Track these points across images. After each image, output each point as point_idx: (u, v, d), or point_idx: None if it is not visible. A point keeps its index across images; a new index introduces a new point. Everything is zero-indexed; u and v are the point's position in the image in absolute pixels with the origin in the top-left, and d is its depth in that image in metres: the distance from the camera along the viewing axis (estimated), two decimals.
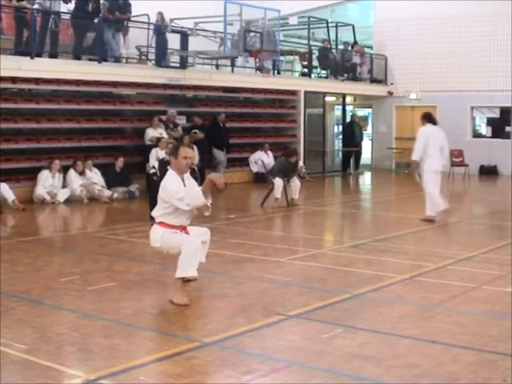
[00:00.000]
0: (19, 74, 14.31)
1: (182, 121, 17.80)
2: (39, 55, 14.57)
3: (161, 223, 6.78)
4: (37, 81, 15.09)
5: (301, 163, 19.42)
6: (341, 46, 23.94)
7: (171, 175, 6.76)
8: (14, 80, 14.56)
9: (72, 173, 14.59)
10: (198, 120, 17.74)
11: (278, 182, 13.87)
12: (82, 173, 14.71)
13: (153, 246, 6.89)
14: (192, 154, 6.90)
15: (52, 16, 14.89)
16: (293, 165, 14.23)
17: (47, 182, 14.28)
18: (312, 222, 13.01)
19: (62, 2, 15.37)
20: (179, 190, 6.61)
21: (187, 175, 6.87)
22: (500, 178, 21.40)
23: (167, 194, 6.65)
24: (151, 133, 16.15)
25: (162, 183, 6.78)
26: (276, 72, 21.05)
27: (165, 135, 16.06)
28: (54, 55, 15.04)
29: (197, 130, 16.99)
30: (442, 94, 22.58)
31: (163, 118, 16.82)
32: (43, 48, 14.81)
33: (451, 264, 8.57)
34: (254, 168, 19.34)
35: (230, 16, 15.60)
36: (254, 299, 6.82)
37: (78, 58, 15.59)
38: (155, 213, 6.86)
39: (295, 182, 14.18)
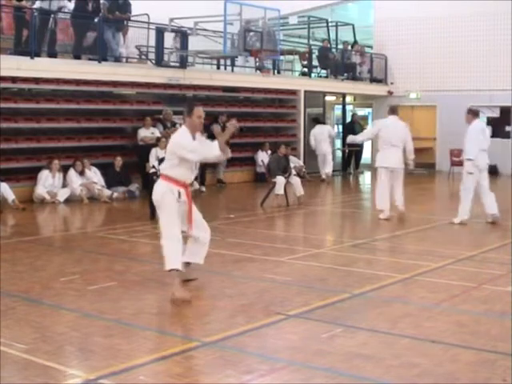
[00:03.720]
0: (19, 73, 14.29)
1: (181, 120, 17.76)
2: (39, 55, 14.57)
3: (165, 177, 6.94)
4: (37, 80, 15.07)
5: (301, 162, 19.45)
6: (341, 46, 23.94)
7: (184, 131, 6.95)
8: (13, 80, 14.54)
9: (72, 172, 14.58)
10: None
11: (280, 180, 13.93)
12: (81, 172, 14.70)
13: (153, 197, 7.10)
14: (204, 114, 7.03)
15: (52, 16, 14.89)
16: (284, 157, 14.39)
17: (47, 182, 14.28)
18: (312, 221, 13.01)
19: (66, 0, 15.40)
20: (191, 143, 6.81)
21: (199, 135, 7.00)
22: (500, 177, 21.38)
23: (179, 148, 6.82)
24: (142, 133, 16.15)
25: (174, 138, 7.00)
26: (276, 71, 21.05)
27: (157, 134, 16.05)
28: (53, 55, 15.04)
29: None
30: (442, 94, 22.57)
31: (160, 117, 16.82)
32: (43, 48, 14.81)
33: (451, 263, 8.57)
34: (261, 168, 19.17)
35: (230, 16, 15.60)
36: (254, 299, 6.82)
37: (77, 57, 15.59)
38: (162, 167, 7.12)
39: (295, 179, 14.28)
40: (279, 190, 13.93)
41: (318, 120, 20.84)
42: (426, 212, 13.65)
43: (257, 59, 17.80)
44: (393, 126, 12.20)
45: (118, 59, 16.38)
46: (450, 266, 8.46)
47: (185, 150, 6.77)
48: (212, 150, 6.83)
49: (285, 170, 14.17)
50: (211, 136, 17.10)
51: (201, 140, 7.01)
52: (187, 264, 7.31)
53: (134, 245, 9.89)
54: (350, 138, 13.68)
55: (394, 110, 12.45)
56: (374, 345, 5.48)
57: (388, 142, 12.04)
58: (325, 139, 20.14)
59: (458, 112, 22.19)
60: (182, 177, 6.91)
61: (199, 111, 6.92)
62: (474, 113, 11.66)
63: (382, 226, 11.89)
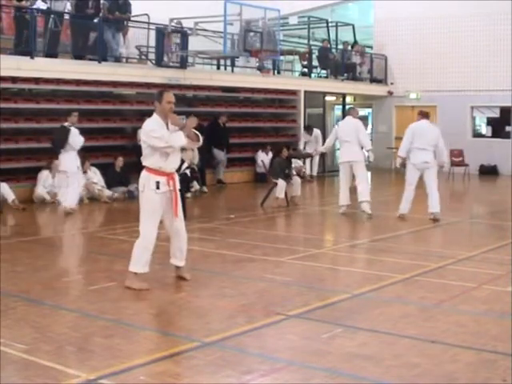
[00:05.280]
0: (19, 73, 14.31)
1: (181, 121, 17.76)
2: (39, 55, 14.56)
3: (145, 168, 7.05)
4: (37, 81, 15.08)
5: (300, 163, 19.44)
6: (341, 46, 23.93)
7: (154, 118, 7.03)
8: (14, 80, 14.55)
9: None
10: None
11: (282, 183, 13.91)
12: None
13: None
14: (174, 100, 7.10)
15: (52, 16, 14.90)
16: (287, 159, 14.37)
17: (47, 182, 14.27)
18: (312, 221, 13.01)
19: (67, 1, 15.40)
20: (158, 130, 6.88)
21: (173, 129, 7.01)
22: (500, 177, 21.39)
23: (146, 135, 6.94)
24: None
25: (143, 126, 7.09)
26: (276, 72, 21.05)
27: None
28: (54, 55, 15.03)
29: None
30: (442, 94, 22.57)
31: None
32: (43, 48, 14.81)
33: (451, 264, 8.57)
34: (261, 169, 19.18)
35: (230, 16, 15.60)
36: (254, 299, 6.82)
37: (78, 57, 15.59)
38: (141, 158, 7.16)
39: (296, 180, 14.28)
40: (280, 193, 13.89)
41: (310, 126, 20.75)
42: (425, 212, 13.63)
43: (257, 59, 17.80)
44: (346, 124, 13.29)
45: (118, 59, 16.38)
46: (449, 266, 8.46)
47: (151, 136, 6.89)
48: (178, 138, 6.92)
49: (287, 175, 14.12)
50: (208, 137, 17.32)
51: (172, 129, 7.04)
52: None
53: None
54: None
55: (348, 112, 13.87)
56: (374, 345, 5.48)
57: (342, 139, 13.07)
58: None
59: (458, 112, 22.38)
60: (160, 166, 6.98)
61: (169, 96, 7.04)
62: (422, 114, 12.54)
63: (381, 226, 11.89)
